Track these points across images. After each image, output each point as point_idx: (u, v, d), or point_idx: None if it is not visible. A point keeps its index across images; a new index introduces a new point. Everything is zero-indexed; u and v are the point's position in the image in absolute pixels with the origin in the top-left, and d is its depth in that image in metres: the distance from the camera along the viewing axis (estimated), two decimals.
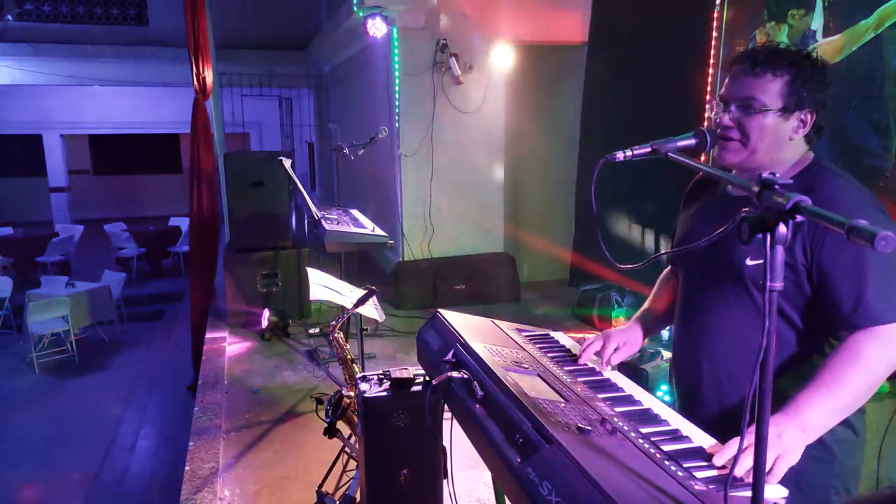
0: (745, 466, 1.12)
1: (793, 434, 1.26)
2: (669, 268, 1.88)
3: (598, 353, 1.72)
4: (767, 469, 1.17)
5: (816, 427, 1.32)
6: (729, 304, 1.53)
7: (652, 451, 1.19)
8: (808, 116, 1.47)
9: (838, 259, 1.37)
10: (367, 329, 4.93)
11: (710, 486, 1.09)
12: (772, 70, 1.44)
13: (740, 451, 1.05)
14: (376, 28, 6.10)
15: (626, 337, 1.77)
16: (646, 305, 1.92)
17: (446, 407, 1.54)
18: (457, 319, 1.78)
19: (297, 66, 11.35)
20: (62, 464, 5.41)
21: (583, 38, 6.41)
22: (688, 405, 1.65)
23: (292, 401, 4.41)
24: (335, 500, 2.66)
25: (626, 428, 1.27)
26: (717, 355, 1.57)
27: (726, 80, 1.53)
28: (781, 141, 1.48)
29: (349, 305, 3.07)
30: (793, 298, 1.44)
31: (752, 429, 1.08)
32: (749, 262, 1.46)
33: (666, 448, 1.21)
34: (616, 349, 1.73)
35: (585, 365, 1.68)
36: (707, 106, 4.71)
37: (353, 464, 2.77)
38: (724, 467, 1.17)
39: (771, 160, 1.49)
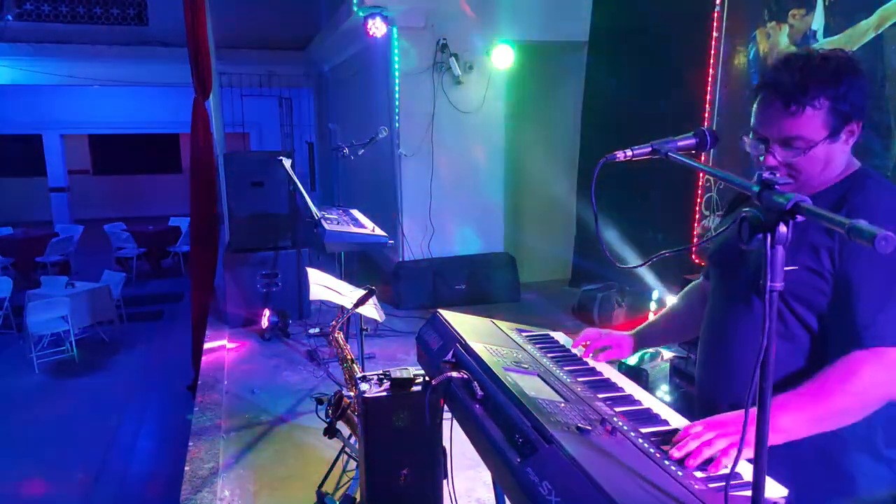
0: (684, 450, 1.18)
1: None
2: (700, 279, 1.84)
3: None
4: (721, 452, 1.18)
5: (788, 430, 1.28)
6: (752, 315, 1.48)
7: (652, 450, 1.19)
8: (856, 126, 1.39)
9: (865, 273, 1.31)
10: (367, 329, 4.93)
11: (710, 486, 1.09)
12: (809, 104, 1.34)
13: (740, 450, 1.05)
14: (376, 28, 6.10)
15: (619, 340, 1.81)
16: (654, 318, 1.93)
17: (446, 407, 1.54)
18: (456, 319, 1.78)
19: (297, 66, 11.35)
20: (62, 464, 5.41)
21: (583, 38, 6.41)
22: (707, 414, 1.63)
23: (292, 401, 4.40)
24: (335, 500, 2.66)
25: (625, 428, 1.27)
26: (733, 366, 1.52)
27: (755, 108, 1.43)
28: (833, 161, 1.42)
29: (349, 305, 3.07)
30: (819, 309, 1.38)
31: (716, 418, 1.25)
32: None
33: (666, 448, 1.21)
34: (606, 347, 1.78)
35: (585, 364, 1.68)
36: (707, 113, 4.71)
37: (353, 464, 2.77)
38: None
39: (822, 179, 1.43)
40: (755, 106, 1.44)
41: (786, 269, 1.39)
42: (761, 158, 1.43)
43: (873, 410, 1.31)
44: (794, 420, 1.29)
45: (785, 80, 1.36)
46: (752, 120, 1.45)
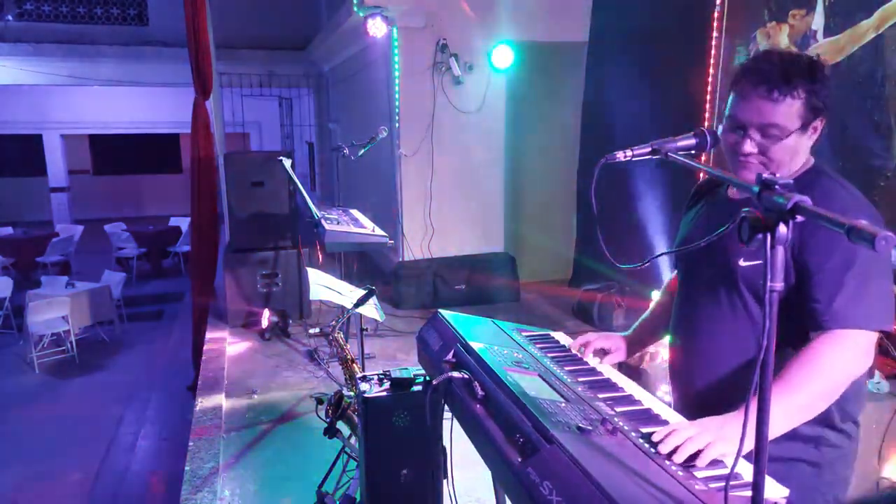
0: (668, 446, 1.19)
1: (735, 427, 1.23)
2: (674, 274, 1.89)
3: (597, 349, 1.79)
4: (695, 451, 1.18)
5: (770, 427, 1.31)
6: (722, 306, 1.54)
7: (652, 450, 1.19)
8: (820, 123, 1.48)
9: (822, 261, 1.38)
10: (367, 329, 4.93)
11: (711, 486, 1.10)
12: (790, 93, 1.41)
13: (740, 450, 1.05)
14: (376, 28, 6.10)
15: (619, 344, 1.84)
16: (641, 318, 1.95)
17: (446, 407, 1.54)
18: (457, 319, 1.78)
19: (297, 66, 11.35)
20: (62, 464, 5.41)
21: (583, 38, 6.41)
22: (683, 407, 1.65)
23: (292, 401, 4.41)
24: (335, 500, 2.66)
25: (626, 427, 1.27)
26: (709, 357, 1.58)
27: (734, 97, 1.48)
28: (799, 153, 1.49)
29: (349, 305, 3.08)
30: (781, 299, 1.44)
31: (704, 420, 1.27)
32: (742, 262, 1.46)
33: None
34: (605, 350, 1.80)
35: (586, 364, 1.68)
36: (707, 113, 4.71)
37: (353, 464, 2.77)
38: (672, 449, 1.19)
39: (787, 171, 1.49)
40: (734, 94, 1.49)
41: (749, 263, 1.43)
42: (736, 146, 1.48)
43: (841, 391, 1.38)
44: (772, 416, 1.30)
45: (769, 69, 1.43)
46: (730, 108, 1.50)
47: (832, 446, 1.48)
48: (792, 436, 1.41)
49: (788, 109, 1.41)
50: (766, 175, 1.00)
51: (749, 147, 1.46)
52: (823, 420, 1.44)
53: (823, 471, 1.48)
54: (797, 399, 1.34)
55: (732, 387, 1.51)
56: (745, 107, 1.45)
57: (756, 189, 1.01)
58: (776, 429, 1.31)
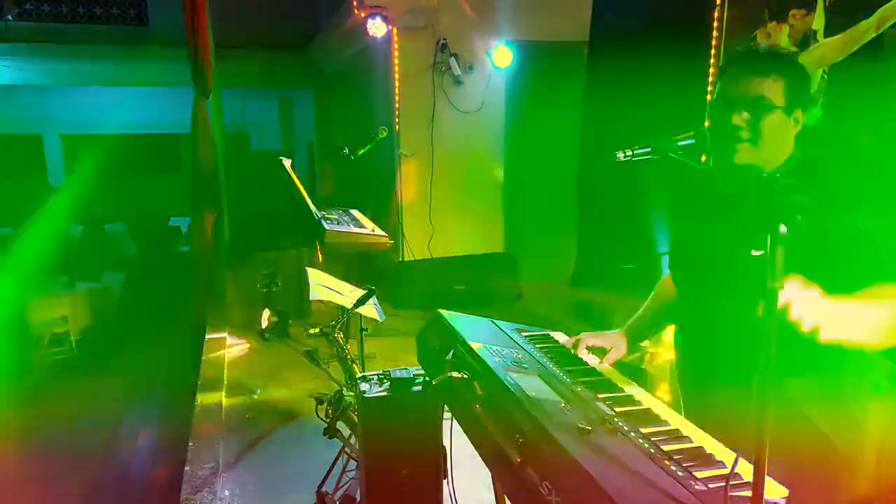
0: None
1: (837, 312, 1.23)
2: (667, 274, 1.89)
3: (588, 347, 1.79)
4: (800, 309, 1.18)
5: (836, 314, 1.24)
6: (731, 301, 1.52)
7: (652, 451, 1.19)
8: (800, 115, 1.52)
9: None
10: (367, 329, 4.92)
11: (710, 486, 1.09)
12: (776, 70, 1.48)
13: (739, 453, 1.05)
14: (376, 28, 6.10)
15: (614, 341, 1.82)
16: (638, 313, 1.94)
17: (446, 407, 1.55)
18: (457, 319, 1.78)
19: (297, 66, 11.34)
20: (62, 464, 5.41)
21: (583, 38, 6.41)
22: (691, 405, 1.65)
23: (292, 401, 4.40)
24: (335, 500, 2.66)
25: (626, 428, 1.27)
26: (720, 353, 1.57)
27: (722, 80, 1.55)
28: (784, 139, 1.51)
29: (349, 305, 3.07)
30: None
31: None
32: (753, 253, 1.46)
33: (666, 448, 1.21)
34: (603, 349, 1.79)
35: (585, 365, 1.68)
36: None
37: (353, 464, 2.77)
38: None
39: (774, 159, 1.50)
40: (722, 78, 1.55)
41: (758, 253, 1.44)
42: (724, 121, 1.51)
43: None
44: (845, 315, 1.26)
45: (753, 51, 1.56)
46: (718, 89, 1.55)
47: (845, 441, 1.49)
48: (806, 431, 1.41)
49: (774, 84, 1.48)
50: (765, 174, 1.00)
51: (739, 120, 1.49)
52: (838, 416, 1.46)
53: (838, 468, 1.49)
54: (868, 314, 1.30)
55: (747, 384, 1.50)
56: (732, 84, 1.52)
57: (756, 188, 1.01)
58: (842, 318, 1.25)
